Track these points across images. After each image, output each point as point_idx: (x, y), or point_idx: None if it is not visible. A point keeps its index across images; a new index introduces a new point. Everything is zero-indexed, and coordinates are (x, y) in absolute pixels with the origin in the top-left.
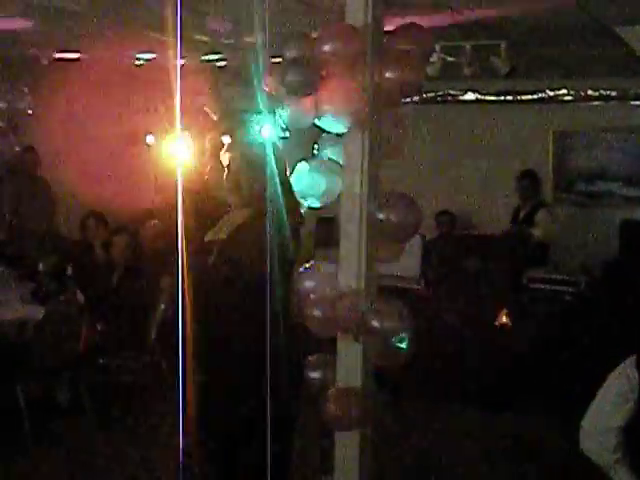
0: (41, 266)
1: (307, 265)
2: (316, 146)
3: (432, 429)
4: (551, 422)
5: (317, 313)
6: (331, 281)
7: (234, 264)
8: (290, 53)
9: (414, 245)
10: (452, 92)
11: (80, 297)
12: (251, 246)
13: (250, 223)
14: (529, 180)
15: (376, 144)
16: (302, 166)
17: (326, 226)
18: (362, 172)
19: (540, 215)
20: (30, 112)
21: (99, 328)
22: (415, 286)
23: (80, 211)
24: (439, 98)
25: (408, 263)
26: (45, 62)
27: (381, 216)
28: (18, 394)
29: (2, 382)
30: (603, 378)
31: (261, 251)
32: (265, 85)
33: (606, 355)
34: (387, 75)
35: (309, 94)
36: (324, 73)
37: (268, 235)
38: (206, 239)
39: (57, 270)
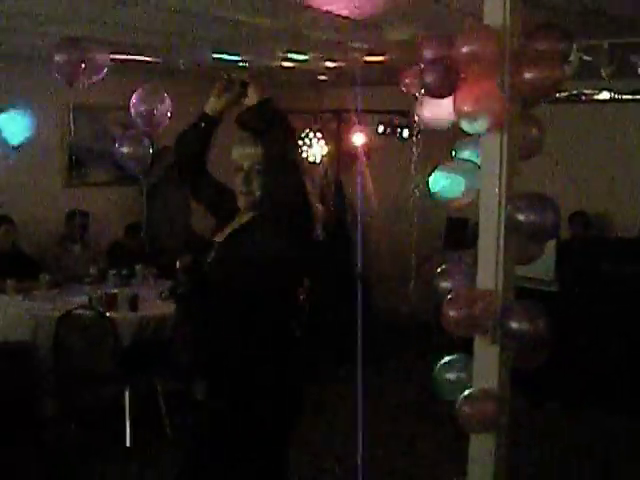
0: (178, 264)
1: (444, 266)
2: (453, 147)
3: (568, 434)
4: None
5: (454, 313)
6: (468, 282)
7: (225, 268)
8: (429, 54)
9: (548, 246)
10: (587, 91)
11: None
12: (245, 250)
13: (248, 227)
14: None
15: (514, 145)
16: (440, 168)
17: (456, 227)
18: (500, 173)
19: None
20: (169, 115)
21: None
22: (549, 288)
23: None
24: (573, 97)
25: (542, 265)
26: (183, 67)
27: (520, 217)
28: (157, 389)
29: (142, 377)
30: None
31: (257, 256)
32: (403, 86)
33: None
34: (525, 76)
35: (447, 95)
36: (462, 74)
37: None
38: (215, 239)
39: (194, 268)
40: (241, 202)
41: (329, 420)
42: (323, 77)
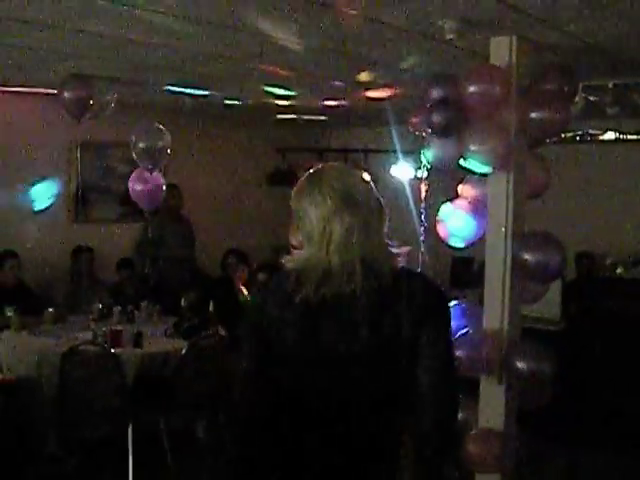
0: (183, 301)
1: (451, 304)
2: (460, 186)
3: (572, 473)
4: None
5: (461, 353)
6: (475, 321)
7: None
8: (435, 94)
9: (554, 286)
10: (592, 131)
11: (222, 332)
12: None
13: None
14: None
15: (520, 184)
16: (447, 207)
17: (462, 266)
18: (507, 212)
19: None
20: (169, 151)
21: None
22: (555, 328)
23: (221, 248)
24: (578, 138)
25: (548, 304)
26: (186, 102)
27: (526, 256)
28: (160, 426)
29: (145, 414)
30: None
31: None
32: (410, 125)
33: None
34: (532, 115)
35: (454, 134)
36: (469, 114)
37: None
38: None
39: (199, 305)
40: None
41: None
42: (322, 117)
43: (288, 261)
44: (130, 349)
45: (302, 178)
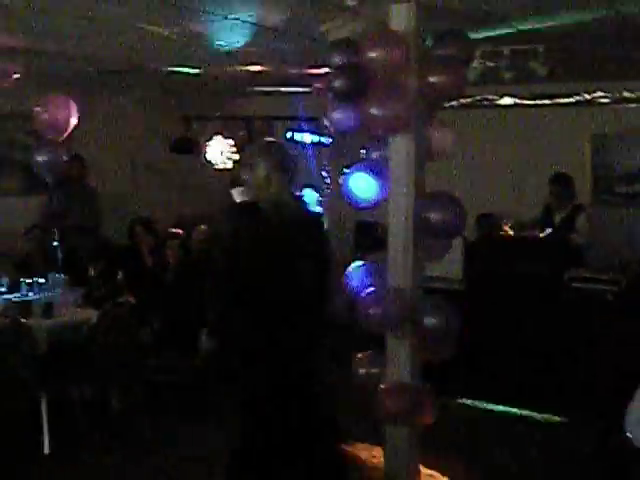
0: (91, 271)
1: (357, 264)
2: (363, 150)
3: (472, 425)
4: (588, 420)
5: (369, 310)
6: (380, 280)
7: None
8: (337, 60)
9: (456, 246)
10: (489, 97)
11: (131, 300)
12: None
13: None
14: (561, 184)
15: (421, 147)
16: (350, 170)
17: (365, 230)
18: (408, 174)
19: (580, 221)
20: (75, 123)
21: (150, 330)
22: (457, 287)
23: (128, 217)
24: (477, 103)
25: (450, 264)
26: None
27: (427, 215)
28: (73, 395)
29: (58, 384)
30: None
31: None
32: (314, 92)
33: None
34: (430, 80)
35: (356, 99)
36: (370, 79)
37: None
38: None
39: (107, 274)
40: None
41: None
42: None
43: (243, 199)
44: (40, 319)
45: (254, 147)
